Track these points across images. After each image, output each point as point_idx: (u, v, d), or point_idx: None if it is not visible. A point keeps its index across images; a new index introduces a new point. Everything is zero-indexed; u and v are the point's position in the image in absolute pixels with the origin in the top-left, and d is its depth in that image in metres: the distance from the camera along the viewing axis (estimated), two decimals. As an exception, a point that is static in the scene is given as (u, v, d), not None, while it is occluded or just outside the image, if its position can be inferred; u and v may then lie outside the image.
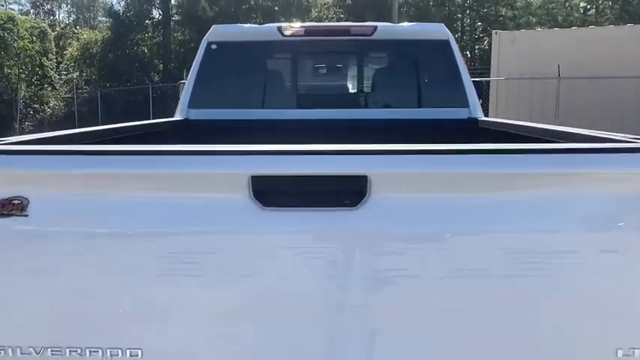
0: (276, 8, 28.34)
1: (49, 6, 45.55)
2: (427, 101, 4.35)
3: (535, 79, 14.73)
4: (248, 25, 5.01)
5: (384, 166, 1.75)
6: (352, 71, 4.74)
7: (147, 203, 1.75)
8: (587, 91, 14.26)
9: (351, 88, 4.75)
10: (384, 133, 4.13)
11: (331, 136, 4.30)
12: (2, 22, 24.77)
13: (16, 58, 25.37)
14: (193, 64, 4.41)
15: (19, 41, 25.34)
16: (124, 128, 3.33)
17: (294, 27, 4.40)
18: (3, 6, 39.43)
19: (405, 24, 4.61)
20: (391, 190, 1.72)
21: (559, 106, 15.00)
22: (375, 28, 4.25)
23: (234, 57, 4.43)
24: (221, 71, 4.39)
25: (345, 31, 4.34)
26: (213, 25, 4.60)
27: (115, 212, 1.77)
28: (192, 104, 4.29)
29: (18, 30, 25.30)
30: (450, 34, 4.36)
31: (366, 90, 4.64)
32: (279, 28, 4.32)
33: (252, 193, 1.72)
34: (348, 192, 1.73)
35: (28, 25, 26.66)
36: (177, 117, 4.30)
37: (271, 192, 1.73)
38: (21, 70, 25.84)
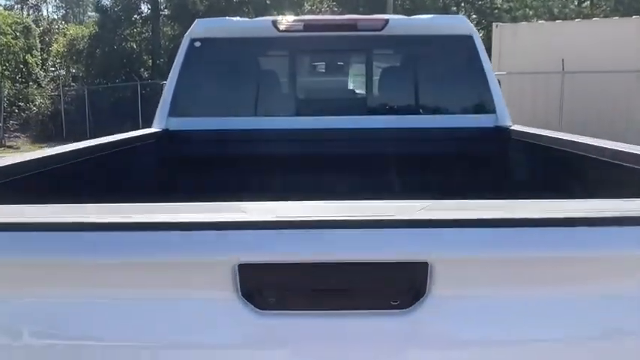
0: (268, 1, 27.62)
1: (34, 1, 44.51)
2: (447, 107, 3.79)
3: (538, 73, 14.20)
4: (237, 18, 4.32)
5: (456, 247, 1.14)
6: (359, 73, 4.13)
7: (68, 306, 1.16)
8: (593, 85, 13.76)
9: (358, 92, 4.15)
10: (397, 145, 3.57)
11: (337, 149, 3.74)
12: (-17, 18, 24.00)
13: (-2, 55, 24.61)
14: (174, 64, 3.78)
15: (2, 37, 24.54)
16: (89, 148, 2.74)
17: (291, 21, 3.79)
18: (-14, 1, 38.63)
19: (421, 17, 3.97)
20: (463, 282, 1.14)
21: (563, 101, 14.50)
22: (386, 21, 3.64)
23: (222, 56, 3.83)
24: (206, 73, 3.78)
25: (352, 26, 3.70)
26: (196, 20, 3.98)
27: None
28: (173, 112, 3.67)
29: (0, 26, 24.51)
30: (474, 28, 3.78)
31: (375, 95, 4.03)
32: (275, 23, 3.71)
33: (240, 289, 1.13)
34: (396, 288, 1.14)
35: (11, 21, 25.84)
36: (155, 127, 3.68)
37: (269, 288, 1.15)
38: (4, 67, 25.04)
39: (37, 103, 25.78)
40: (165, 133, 3.63)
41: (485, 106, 3.65)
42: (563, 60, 13.89)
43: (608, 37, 13.67)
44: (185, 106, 3.74)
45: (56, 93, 26.24)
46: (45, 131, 24.19)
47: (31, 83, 26.48)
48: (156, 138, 3.52)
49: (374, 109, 3.94)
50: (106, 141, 2.96)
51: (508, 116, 3.67)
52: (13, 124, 24.57)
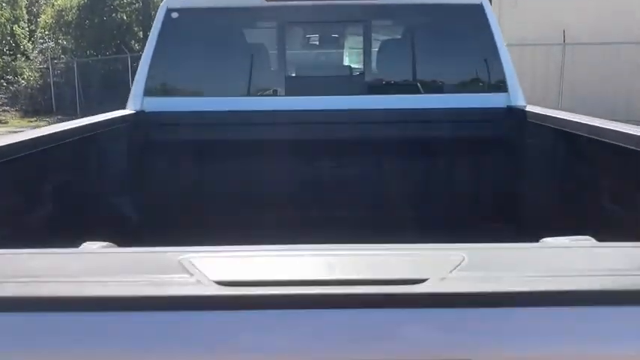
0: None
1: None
2: (453, 86, 3.48)
3: (538, 45, 13.83)
4: None
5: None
6: (356, 47, 3.79)
7: None
8: (595, 58, 13.42)
9: (353, 68, 3.82)
10: (396, 129, 3.27)
11: (331, 133, 3.44)
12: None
13: (-17, 27, 24.00)
14: (149, 37, 3.45)
15: (-14, 8, 23.91)
16: (50, 136, 2.44)
17: None
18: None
19: None
20: None
21: (563, 74, 14.17)
22: None
23: (203, 28, 3.49)
24: (186, 47, 3.45)
25: None
26: None
27: None
28: (149, 91, 3.36)
29: (-16, -4, 23.86)
30: None
31: (373, 72, 3.69)
32: None
33: None
34: None
35: (-4, -9, 25.16)
36: (129, 108, 3.36)
37: None
38: (-10, 40, 24.47)
39: (25, 76, 25.24)
40: (140, 116, 3.32)
41: (496, 83, 3.35)
42: (564, 31, 13.52)
43: (613, 6, 13.28)
44: (162, 84, 3.43)
45: (45, 66, 25.70)
46: (34, 105, 23.74)
47: (19, 56, 25.89)
48: (129, 121, 3.21)
49: (372, 88, 3.61)
50: (73, 126, 2.65)
51: (522, 95, 3.36)
52: (1, 97, 24.08)
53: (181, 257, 1.01)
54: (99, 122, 2.90)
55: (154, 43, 3.41)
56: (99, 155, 2.97)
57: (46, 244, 2.05)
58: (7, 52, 25.54)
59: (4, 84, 24.89)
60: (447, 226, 3.24)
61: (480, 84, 3.44)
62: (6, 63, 25.14)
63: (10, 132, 15.56)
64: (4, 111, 23.41)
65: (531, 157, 3.12)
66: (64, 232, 2.49)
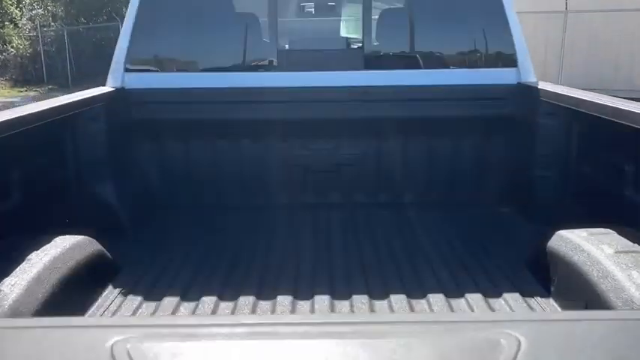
0: None
1: None
2: (458, 60, 3.30)
3: (539, 13, 13.49)
4: None
5: None
6: (352, 14, 3.54)
7: None
8: (598, 26, 13.11)
9: (350, 40, 3.58)
10: (397, 107, 3.07)
11: (328, 112, 3.21)
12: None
13: (-31, -7, 23.41)
14: (129, 8, 3.20)
15: (-28, -27, 23.28)
16: (32, 115, 2.24)
17: None
18: None
19: None
20: None
21: (565, 44, 13.87)
22: None
23: None
24: (169, 17, 3.23)
25: None
26: None
27: None
28: (130, 66, 3.14)
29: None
30: None
31: (371, 43, 3.44)
32: None
33: None
34: None
35: (-19, -45, 24.48)
36: (109, 85, 3.14)
37: None
38: (-23, 6, 23.90)
39: (14, 44, 24.70)
40: (120, 93, 3.12)
41: (504, 57, 3.17)
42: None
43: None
44: (144, 59, 3.20)
45: (34, 34, 25.16)
46: (25, 74, 23.33)
47: (7, 23, 25.31)
48: (109, 99, 2.99)
49: (371, 63, 3.35)
50: (47, 107, 2.44)
51: (532, 71, 3.17)
52: (-10, 66, 23.65)
53: (114, 341, 0.82)
54: (75, 102, 2.68)
55: (134, 12, 3.17)
56: (75, 138, 2.75)
57: (15, 238, 1.83)
58: (-5, 19, 25.01)
59: (-7, 52, 24.41)
60: (451, 211, 3.06)
61: (487, 58, 3.25)
62: (-6, 30, 24.62)
63: (-2, 103, 15.26)
64: (-7, 80, 23.01)
65: (542, 137, 2.92)
66: (37, 223, 2.30)
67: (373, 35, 3.46)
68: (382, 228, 2.90)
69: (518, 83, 3.11)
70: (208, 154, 3.06)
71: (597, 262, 1.84)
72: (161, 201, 3.15)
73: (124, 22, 3.21)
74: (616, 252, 1.85)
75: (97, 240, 2.27)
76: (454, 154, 3.15)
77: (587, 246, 1.96)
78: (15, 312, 1.58)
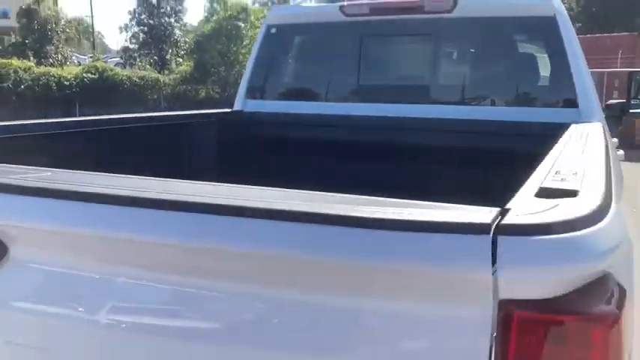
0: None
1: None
2: (517, 97, 3.50)
3: None
4: (308, 3, 4.51)
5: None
6: (423, 57, 3.99)
7: None
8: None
9: (422, 78, 3.99)
10: (456, 138, 3.31)
11: (404, 139, 3.55)
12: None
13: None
14: (252, 49, 4.13)
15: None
16: (159, 117, 3.25)
17: (357, 5, 3.81)
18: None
19: None
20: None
21: None
22: (455, 2, 3.49)
23: (294, 41, 4.04)
24: (280, 57, 4.05)
25: (418, 8, 3.60)
26: (273, 6, 4.22)
27: None
28: (249, 94, 4.02)
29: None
30: (561, 7, 3.39)
31: (439, 82, 3.87)
32: (342, 8, 3.76)
33: None
34: None
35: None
36: (235, 107, 4.04)
37: None
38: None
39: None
40: (239, 114, 3.94)
41: (563, 95, 3.29)
42: None
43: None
44: (260, 89, 4.02)
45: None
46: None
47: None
48: (229, 117, 3.87)
49: (435, 97, 3.72)
50: (185, 113, 3.36)
51: (597, 110, 3.22)
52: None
53: None
54: (206, 113, 3.65)
55: (255, 53, 4.02)
56: (201, 140, 3.54)
57: None
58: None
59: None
60: None
61: (549, 98, 3.42)
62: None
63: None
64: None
65: None
66: None
67: (440, 77, 3.87)
68: None
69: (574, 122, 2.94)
70: (298, 166, 3.45)
71: None
72: None
73: (249, 60, 4.11)
74: None
75: None
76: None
77: None
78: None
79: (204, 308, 1.20)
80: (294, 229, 1.07)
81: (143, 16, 31.84)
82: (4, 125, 2.46)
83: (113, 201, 1.21)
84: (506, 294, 0.95)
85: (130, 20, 32.21)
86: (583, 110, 3.17)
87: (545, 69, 3.50)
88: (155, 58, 30.83)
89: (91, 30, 44.14)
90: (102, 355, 1.30)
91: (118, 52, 40.19)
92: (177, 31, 32.40)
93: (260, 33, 4.06)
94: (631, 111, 4.72)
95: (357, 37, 3.86)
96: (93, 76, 23.55)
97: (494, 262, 0.93)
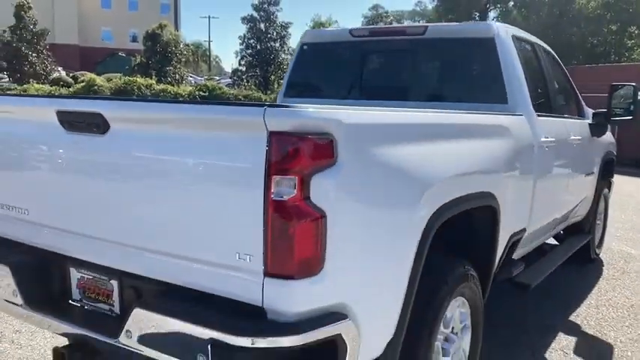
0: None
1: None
2: (465, 95, 4.54)
3: None
4: (331, 28, 5.90)
5: None
6: (406, 66, 5.11)
7: None
8: None
9: (409, 84, 5.09)
10: None
11: None
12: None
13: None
14: (289, 64, 5.50)
15: None
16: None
17: (361, 29, 5.24)
18: None
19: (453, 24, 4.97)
20: None
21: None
22: (426, 28, 4.77)
23: (320, 56, 5.32)
24: (311, 70, 5.33)
25: (402, 32, 5.00)
26: (306, 30, 5.58)
27: None
28: (287, 93, 5.34)
29: None
30: (500, 30, 4.39)
31: (416, 84, 5.04)
32: (351, 31, 5.18)
33: None
34: None
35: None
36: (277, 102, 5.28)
37: None
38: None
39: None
40: None
41: (498, 95, 4.21)
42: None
43: None
44: (294, 89, 5.34)
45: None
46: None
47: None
48: None
49: (416, 96, 4.81)
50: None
51: (523, 107, 4.14)
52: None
53: None
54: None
55: (292, 64, 5.40)
56: None
57: None
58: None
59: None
60: None
61: (487, 96, 4.33)
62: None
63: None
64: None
65: None
66: None
67: (416, 83, 5.00)
68: None
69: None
70: None
71: None
72: None
73: (288, 68, 5.44)
74: None
75: None
76: None
77: None
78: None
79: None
80: None
81: (252, 41, 35.12)
82: None
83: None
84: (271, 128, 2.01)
85: (240, 45, 35.64)
86: (511, 106, 4.26)
87: (486, 75, 4.57)
88: (260, 79, 33.74)
89: (208, 54, 48.29)
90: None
91: (230, 74, 43.77)
92: (282, 55, 35.23)
93: (296, 49, 5.43)
94: (612, 118, 5.81)
95: (361, 51, 5.24)
96: (204, 93, 26.48)
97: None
